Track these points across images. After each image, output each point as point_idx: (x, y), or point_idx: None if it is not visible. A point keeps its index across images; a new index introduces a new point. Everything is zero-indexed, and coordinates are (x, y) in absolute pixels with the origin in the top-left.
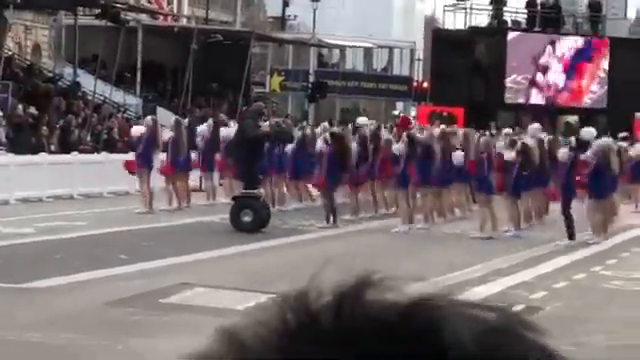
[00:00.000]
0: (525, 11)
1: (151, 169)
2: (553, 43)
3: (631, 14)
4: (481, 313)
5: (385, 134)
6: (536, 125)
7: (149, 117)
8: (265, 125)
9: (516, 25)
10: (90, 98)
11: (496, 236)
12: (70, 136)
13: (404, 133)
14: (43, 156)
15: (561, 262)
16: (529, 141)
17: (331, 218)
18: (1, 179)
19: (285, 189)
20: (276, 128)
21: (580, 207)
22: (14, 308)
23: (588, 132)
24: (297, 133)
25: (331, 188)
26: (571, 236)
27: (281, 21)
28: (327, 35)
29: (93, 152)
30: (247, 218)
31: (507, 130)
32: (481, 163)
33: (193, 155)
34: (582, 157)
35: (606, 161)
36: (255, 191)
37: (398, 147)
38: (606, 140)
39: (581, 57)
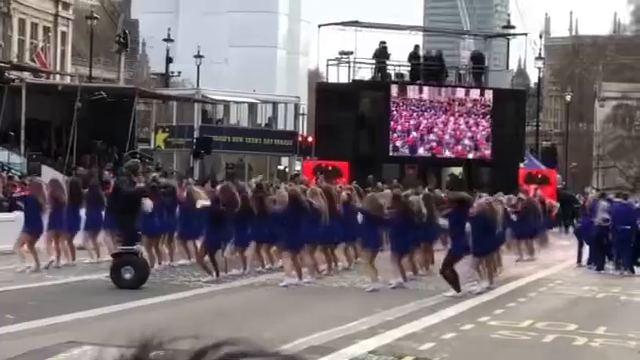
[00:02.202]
0: (408, 64)
1: (39, 230)
2: (436, 95)
3: (513, 65)
4: None
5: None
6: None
7: (30, 178)
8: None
9: (399, 78)
10: None
11: (380, 287)
12: None
13: (287, 192)
14: None
15: (448, 313)
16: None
17: (214, 272)
18: None
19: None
20: (152, 183)
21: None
22: None
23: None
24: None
25: (213, 244)
26: (457, 288)
27: (165, 78)
28: (211, 91)
29: None
30: (128, 275)
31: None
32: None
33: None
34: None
35: (488, 218)
36: (134, 247)
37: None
38: (489, 197)
39: (464, 109)
